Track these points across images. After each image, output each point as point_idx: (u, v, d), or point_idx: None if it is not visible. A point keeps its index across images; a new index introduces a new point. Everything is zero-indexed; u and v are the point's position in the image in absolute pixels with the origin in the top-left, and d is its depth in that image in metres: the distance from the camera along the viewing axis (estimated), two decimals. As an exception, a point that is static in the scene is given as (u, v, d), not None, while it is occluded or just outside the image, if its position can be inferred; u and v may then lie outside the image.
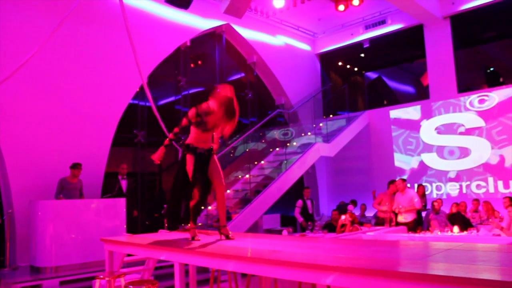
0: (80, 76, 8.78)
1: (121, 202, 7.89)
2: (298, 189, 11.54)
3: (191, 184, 4.13)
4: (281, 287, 4.85)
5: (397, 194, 8.69)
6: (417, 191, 9.65)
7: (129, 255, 5.07)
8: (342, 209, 10.38)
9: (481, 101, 10.96)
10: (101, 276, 4.28)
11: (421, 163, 11.92)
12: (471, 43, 12.42)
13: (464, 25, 11.75)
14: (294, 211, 10.39)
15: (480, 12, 11.23)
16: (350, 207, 10.72)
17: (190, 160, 4.14)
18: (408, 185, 9.25)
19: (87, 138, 8.74)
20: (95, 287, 4.41)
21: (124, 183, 8.61)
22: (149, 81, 9.46)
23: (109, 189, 8.66)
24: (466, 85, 11.73)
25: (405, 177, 11.25)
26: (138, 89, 9.76)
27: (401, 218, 8.48)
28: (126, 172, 8.74)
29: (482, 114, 10.92)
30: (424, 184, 11.10)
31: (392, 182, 9.10)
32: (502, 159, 10.58)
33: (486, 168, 10.79)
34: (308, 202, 10.35)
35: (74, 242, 7.18)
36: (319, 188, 13.48)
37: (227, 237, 4.17)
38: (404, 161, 12.29)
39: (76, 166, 7.79)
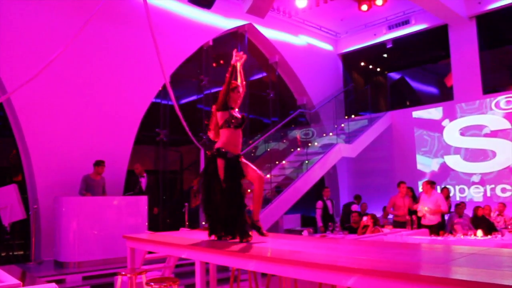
0: (104, 75, 8.91)
1: (143, 199, 7.98)
2: (319, 189, 11.49)
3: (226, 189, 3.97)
4: (301, 287, 4.84)
5: (422, 196, 8.57)
6: (441, 193, 9.49)
7: (150, 252, 5.13)
8: (348, 208, 10.33)
9: (508, 103, 10.74)
10: (123, 273, 4.34)
11: (444, 165, 11.75)
12: (498, 44, 12.17)
13: (490, 25, 11.53)
14: (315, 212, 10.34)
15: (507, 11, 10.99)
16: (354, 206, 10.54)
17: (221, 164, 4.00)
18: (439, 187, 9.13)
19: (110, 136, 8.87)
20: (117, 283, 4.48)
21: (143, 181, 8.65)
22: (171, 80, 9.54)
23: (130, 187, 8.76)
24: (492, 86, 11.50)
25: (425, 179, 11.08)
26: (160, 88, 9.86)
27: (425, 220, 8.37)
28: (140, 170, 8.74)
29: (508, 116, 10.70)
30: (447, 186, 10.93)
31: (401, 183, 9.00)
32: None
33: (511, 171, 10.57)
34: (328, 203, 10.29)
35: (97, 238, 7.29)
36: (340, 189, 13.40)
37: (260, 232, 4.08)
38: (426, 163, 12.13)
39: (99, 164, 7.92)
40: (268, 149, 11.96)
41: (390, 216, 10.95)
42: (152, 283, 3.90)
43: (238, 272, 5.25)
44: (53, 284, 3.27)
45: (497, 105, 10.90)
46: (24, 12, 8.04)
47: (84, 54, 8.65)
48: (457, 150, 11.49)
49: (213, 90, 11.43)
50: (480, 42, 11.44)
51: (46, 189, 7.98)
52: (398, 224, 9.00)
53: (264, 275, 5.73)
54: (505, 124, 10.72)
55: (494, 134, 10.89)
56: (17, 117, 7.91)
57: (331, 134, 12.74)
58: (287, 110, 12.98)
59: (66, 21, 8.33)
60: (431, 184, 8.65)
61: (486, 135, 11.02)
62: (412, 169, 12.26)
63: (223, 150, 4.02)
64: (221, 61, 12.36)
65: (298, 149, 12.47)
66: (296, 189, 10.16)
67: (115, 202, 7.70)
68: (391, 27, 12.96)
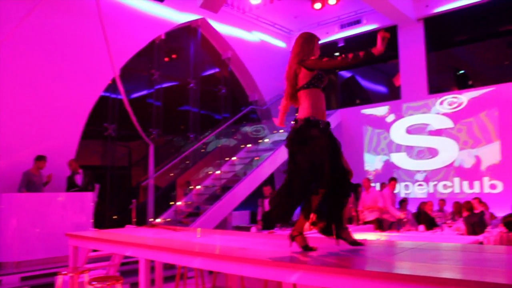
0: (50, 67, 8.55)
1: (88, 196, 7.74)
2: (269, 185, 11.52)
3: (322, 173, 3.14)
4: (248, 284, 4.83)
5: (362, 192, 8.81)
6: (389, 185, 9.56)
7: (94, 250, 4.97)
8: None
9: (451, 103, 11.17)
10: (64, 272, 4.17)
11: (391, 163, 12.09)
12: (443, 46, 12.62)
13: (436, 28, 11.94)
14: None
15: (452, 15, 11.46)
16: None
17: (319, 138, 3.20)
18: (373, 184, 9.33)
19: (55, 131, 8.52)
20: (57, 283, 4.30)
21: (78, 178, 8.23)
22: (121, 74, 9.28)
23: (70, 184, 8.34)
24: (437, 86, 11.94)
25: (370, 177, 11.35)
26: (110, 82, 9.57)
27: (364, 217, 8.64)
28: (75, 167, 8.18)
29: (451, 115, 11.13)
30: (395, 177, 11.16)
31: None
32: (468, 160, 10.83)
33: (453, 168, 11.01)
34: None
35: (38, 236, 7.00)
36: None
37: (354, 243, 3.23)
38: (374, 160, 12.44)
39: (40, 159, 7.59)
40: (219, 146, 11.89)
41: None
42: (95, 282, 3.77)
43: (184, 269, 5.18)
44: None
45: (441, 104, 11.32)
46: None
47: (29, 44, 8.25)
48: (409, 149, 11.83)
49: (164, 85, 11.22)
50: (427, 44, 11.84)
51: (-16, 185, 7.58)
52: (345, 220, 9.17)
53: (211, 272, 5.68)
54: (448, 123, 11.14)
55: (438, 132, 11.31)
56: (-48, 108, 7.46)
57: (281, 131, 12.77)
58: (238, 106, 12.95)
59: (9, 9, 7.92)
60: (370, 180, 8.92)
61: (430, 133, 11.42)
62: (360, 165, 12.53)
63: (313, 118, 3.25)
64: (173, 56, 12.17)
65: (249, 145, 12.46)
66: (245, 186, 10.14)
67: (59, 198, 7.43)
68: (343, 26, 13.18)
